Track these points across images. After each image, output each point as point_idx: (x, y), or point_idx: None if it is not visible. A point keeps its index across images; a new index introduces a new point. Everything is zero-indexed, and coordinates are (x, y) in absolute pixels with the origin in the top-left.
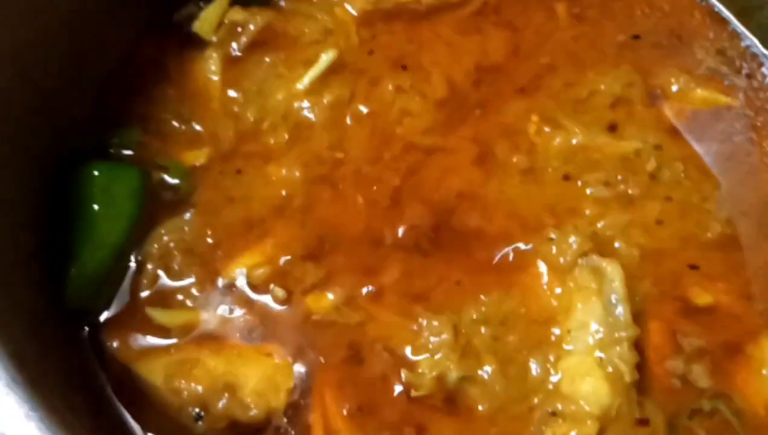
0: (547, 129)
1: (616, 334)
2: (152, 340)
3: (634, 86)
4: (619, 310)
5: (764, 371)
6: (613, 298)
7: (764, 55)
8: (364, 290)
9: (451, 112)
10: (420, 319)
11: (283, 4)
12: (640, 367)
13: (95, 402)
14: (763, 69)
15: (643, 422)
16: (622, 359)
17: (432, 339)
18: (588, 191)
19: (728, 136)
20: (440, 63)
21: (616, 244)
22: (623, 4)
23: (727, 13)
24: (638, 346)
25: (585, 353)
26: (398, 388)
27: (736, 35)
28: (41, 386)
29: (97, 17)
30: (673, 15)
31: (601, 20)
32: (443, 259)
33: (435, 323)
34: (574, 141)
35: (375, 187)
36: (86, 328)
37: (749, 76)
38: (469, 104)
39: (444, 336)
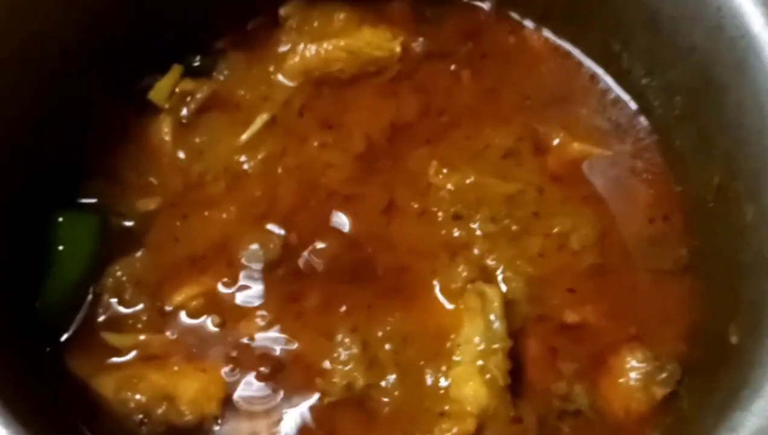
0: (444, 170)
1: (493, 346)
2: (105, 359)
3: (524, 140)
4: (497, 325)
5: (622, 379)
6: (493, 316)
7: (636, 111)
8: (289, 314)
9: (367, 163)
10: (335, 337)
11: (226, 74)
12: (516, 373)
13: (56, 411)
14: (636, 123)
15: (517, 420)
16: (498, 366)
17: (344, 353)
18: (477, 227)
19: (606, 180)
20: (360, 122)
21: (502, 273)
22: (519, 71)
23: (605, 76)
24: (515, 356)
25: (469, 362)
26: (315, 396)
27: (613, 95)
28: (10, 395)
29: (69, 84)
30: (560, 79)
31: (499, 85)
32: (357, 287)
33: (347, 340)
34: (467, 181)
35: (301, 228)
36: (48, 349)
37: (625, 129)
38: (382, 156)
39: (354, 350)
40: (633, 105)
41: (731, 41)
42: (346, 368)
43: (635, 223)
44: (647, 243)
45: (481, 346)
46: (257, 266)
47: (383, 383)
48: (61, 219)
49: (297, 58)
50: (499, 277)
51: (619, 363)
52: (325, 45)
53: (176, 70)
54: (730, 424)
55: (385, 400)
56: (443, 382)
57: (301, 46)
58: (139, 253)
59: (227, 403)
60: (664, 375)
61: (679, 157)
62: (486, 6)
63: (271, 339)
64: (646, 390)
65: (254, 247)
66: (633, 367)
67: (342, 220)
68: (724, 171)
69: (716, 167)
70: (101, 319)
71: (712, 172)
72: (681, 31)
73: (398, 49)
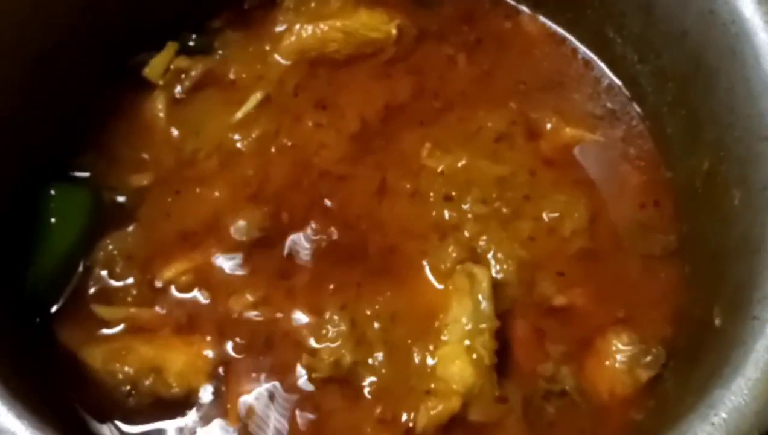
0: (437, 152)
1: (481, 326)
2: (95, 330)
3: (517, 124)
4: (484, 305)
5: (607, 362)
6: (480, 296)
7: (629, 97)
8: (279, 290)
9: (360, 144)
10: (324, 314)
11: (222, 53)
12: (503, 354)
13: (44, 381)
14: (628, 109)
15: (502, 399)
16: (484, 346)
17: (332, 330)
18: (467, 209)
19: (598, 165)
20: (355, 103)
21: (492, 256)
22: (515, 55)
23: (599, 63)
24: (502, 337)
25: (457, 342)
26: (302, 372)
27: (607, 81)
28: None
29: (64, 60)
30: (555, 64)
31: (494, 68)
32: (347, 266)
33: (335, 317)
34: (459, 163)
35: (293, 207)
36: (38, 320)
37: (618, 116)
38: (376, 137)
39: (342, 328)
40: (626, 91)
41: (723, 26)
42: (334, 345)
43: (626, 209)
44: (637, 228)
45: (469, 326)
46: (248, 243)
47: (371, 361)
48: (53, 192)
49: (293, 38)
50: (490, 259)
51: (605, 345)
52: (321, 26)
53: (171, 47)
54: (709, 401)
55: (372, 377)
56: (430, 361)
57: (298, 26)
58: (130, 228)
59: (214, 377)
60: (649, 358)
61: (670, 143)
62: None
63: (260, 315)
64: (632, 373)
65: (245, 224)
66: (619, 350)
67: (334, 200)
68: (713, 156)
69: (706, 152)
70: (91, 291)
71: (702, 157)
72: (673, 17)
73: (394, 31)
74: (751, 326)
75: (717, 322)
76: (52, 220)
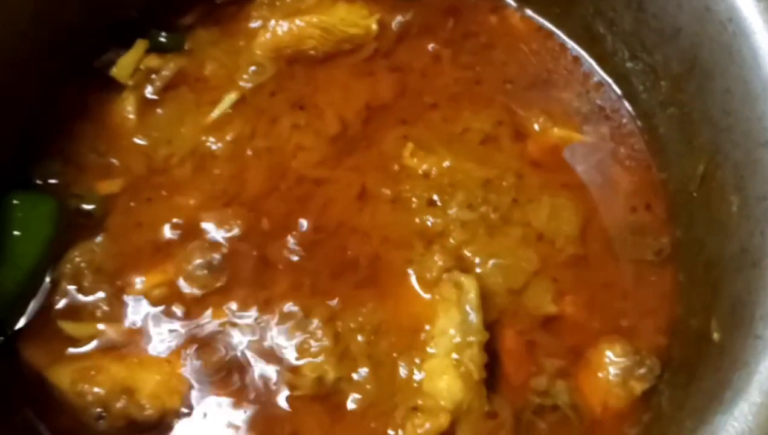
0: (420, 153)
1: (469, 338)
2: (62, 348)
3: (503, 125)
4: (472, 317)
5: (600, 374)
6: (468, 307)
7: (619, 95)
8: (257, 303)
9: (340, 146)
10: (305, 328)
11: (195, 50)
12: (492, 366)
13: (9, 404)
14: (619, 107)
15: (492, 415)
16: (473, 360)
17: (314, 345)
18: (453, 215)
19: (587, 166)
20: (334, 103)
21: (480, 264)
22: (501, 52)
23: (589, 59)
24: (491, 349)
25: (444, 355)
26: (283, 389)
27: (596, 78)
28: None
29: (25, 61)
30: (542, 62)
31: (480, 65)
32: (328, 276)
33: (318, 331)
34: (443, 164)
35: (270, 213)
36: (1, 339)
37: (608, 114)
38: (356, 139)
39: (324, 342)
40: (617, 89)
41: (719, 24)
42: (317, 360)
43: (617, 212)
44: (629, 232)
45: (457, 339)
46: (224, 253)
47: (355, 376)
48: (16, 201)
49: (268, 35)
50: (477, 268)
51: (597, 357)
52: (297, 21)
53: (141, 45)
54: (711, 428)
55: (357, 394)
56: (417, 376)
57: (273, 22)
58: (99, 238)
59: (190, 397)
60: (643, 370)
61: (663, 144)
62: None
63: (238, 329)
64: (625, 385)
65: (221, 233)
66: (612, 362)
67: (313, 206)
68: (708, 160)
69: (701, 156)
70: (59, 307)
71: (697, 160)
72: (667, 14)
73: (374, 26)
74: (753, 346)
75: (715, 336)
76: (15, 232)
